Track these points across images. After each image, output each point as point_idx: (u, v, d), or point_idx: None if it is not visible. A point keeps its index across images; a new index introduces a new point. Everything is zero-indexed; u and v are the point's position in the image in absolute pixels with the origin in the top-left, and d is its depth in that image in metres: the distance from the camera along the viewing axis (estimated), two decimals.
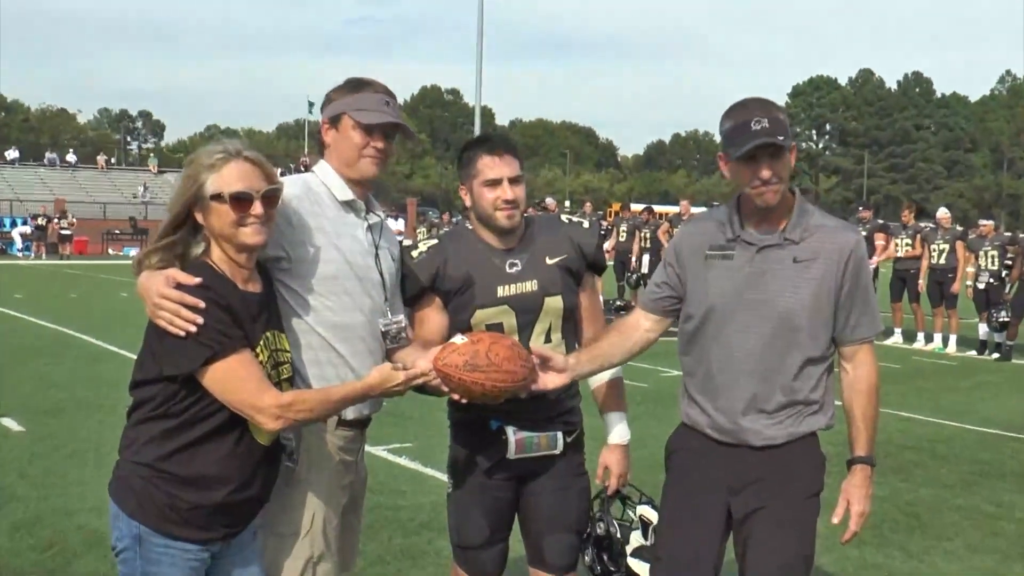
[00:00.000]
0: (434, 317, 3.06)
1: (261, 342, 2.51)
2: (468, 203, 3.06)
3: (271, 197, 2.54)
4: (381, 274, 2.91)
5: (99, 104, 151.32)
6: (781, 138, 2.70)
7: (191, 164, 2.52)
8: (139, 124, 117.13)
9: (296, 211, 2.76)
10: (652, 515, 3.16)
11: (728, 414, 2.86)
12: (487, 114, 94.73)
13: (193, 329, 2.37)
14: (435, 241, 3.09)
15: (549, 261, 3.06)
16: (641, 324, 3.05)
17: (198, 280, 2.41)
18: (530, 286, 3.02)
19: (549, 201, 20.50)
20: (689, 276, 2.93)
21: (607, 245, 18.11)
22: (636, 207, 21.28)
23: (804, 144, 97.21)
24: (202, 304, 2.38)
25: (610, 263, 18.15)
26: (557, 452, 3.08)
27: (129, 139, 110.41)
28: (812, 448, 2.91)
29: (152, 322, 2.41)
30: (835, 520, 2.87)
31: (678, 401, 3.04)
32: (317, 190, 2.86)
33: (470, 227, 3.12)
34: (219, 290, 2.43)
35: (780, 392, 2.82)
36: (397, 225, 23.58)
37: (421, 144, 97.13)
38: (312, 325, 2.78)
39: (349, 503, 2.93)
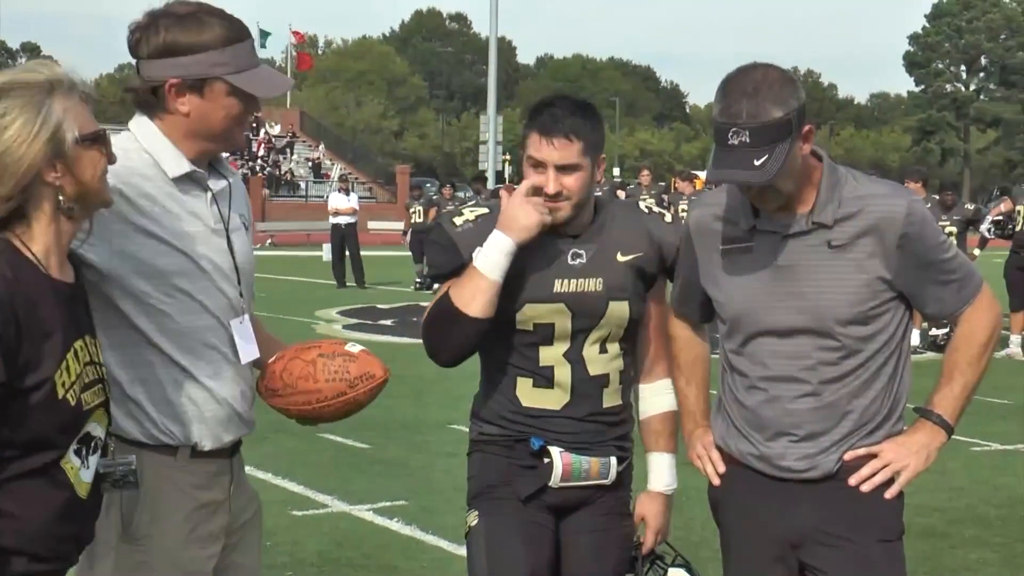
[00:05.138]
0: None
1: (71, 353, 2.46)
2: None
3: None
4: (234, 258, 3.00)
5: None
6: (759, 162, 2.84)
7: (31, 92, 2.41)
8: (22, 62, 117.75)
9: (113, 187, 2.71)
10: None
11: (773, 441, 3.06)
12: (506, 49, 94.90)
13: None
14: (485, 210, 3.31)
15: (621, 258, 3.29)
16: (699, 348, 3.38)
17: None
18: (594, 285, 3.26)
19: None
20: (702, 269, 3.17)
21: None
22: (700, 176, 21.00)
23: (948, 86, 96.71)
24: None
25: None
26: (607, 482, 3.32)
27: None
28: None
29: None
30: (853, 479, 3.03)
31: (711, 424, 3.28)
32: (136, 160, 2.87)
33: None
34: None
35: (832, 409, 3.02)
36: (350, 202, 23.50)
37: (415, 92, 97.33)
38: (147, 335, 2.87)
39: (236, 549, 3.07)
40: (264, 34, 63.92)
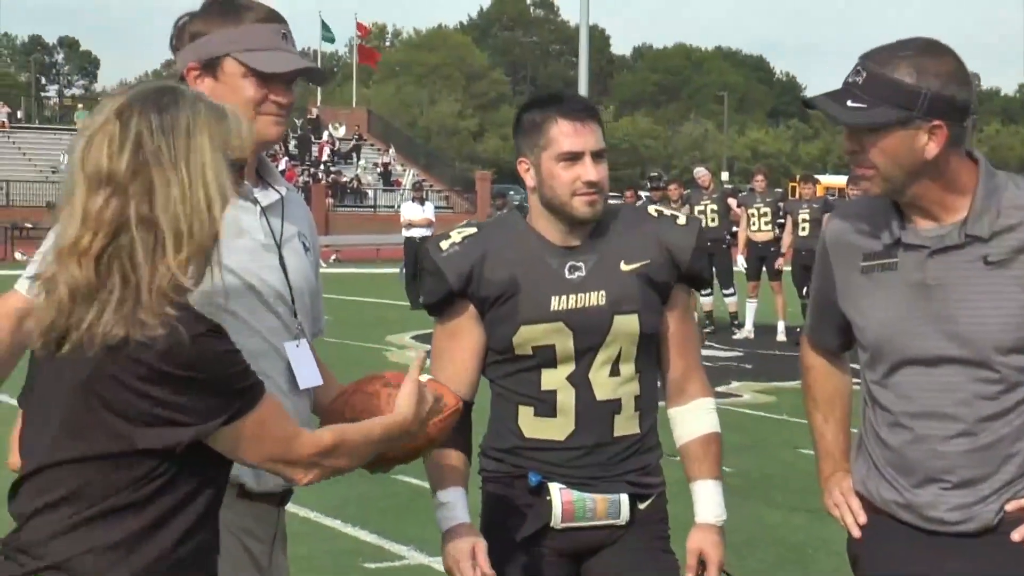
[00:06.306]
0: (468, 333, 3.39)
1: None
2: (531, 183, 3.38)
3: None
4: (286, 276, 3.09)
5: None
6: (853, 104, 2.86)
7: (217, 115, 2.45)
8: (59, 58, 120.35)
9: None
10: None
11: (922, 488, 2.99)
12: (598, 38, 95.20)
13: None
14: (473, 230, 3.41)
15: (625, 267, 3.35)
16: (838, 380, 3.34)
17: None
18: (596, 299, 3.32)
19: (700, 172, 20.29)
20: (840, 288, 3.13)
21: (783, 243, 17.90)
22: (828, 180, 20.72)
23: None
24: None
25: (787, 268, 17.95)
26: (619, 523, 3.36)
27: (45, 81, 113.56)
28: None
29: (120, 377, 2.38)
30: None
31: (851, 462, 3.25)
32: None
33: (523, 215, 3.47)
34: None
35: (991, 451, 2.94)
36: (424, 212, 23.86)
37: (496, 87, 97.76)
38: None
39: None
40: (325, 27, 64.56)
